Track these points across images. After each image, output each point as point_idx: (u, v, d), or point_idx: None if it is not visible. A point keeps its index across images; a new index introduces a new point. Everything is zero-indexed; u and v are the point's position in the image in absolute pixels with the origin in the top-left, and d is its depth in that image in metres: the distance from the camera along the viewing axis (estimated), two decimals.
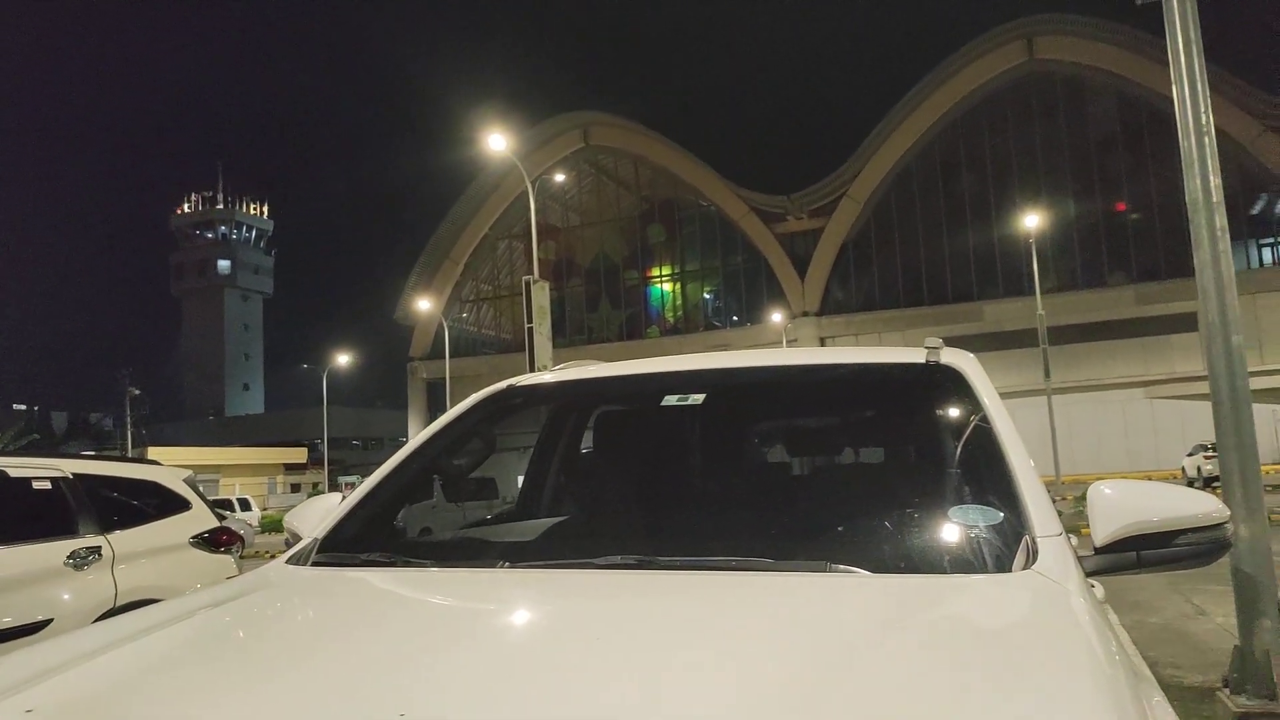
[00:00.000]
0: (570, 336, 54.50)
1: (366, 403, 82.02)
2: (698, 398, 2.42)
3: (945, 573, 1.68)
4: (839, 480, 2.43)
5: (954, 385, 2.25)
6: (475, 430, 2.64)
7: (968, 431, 2.12)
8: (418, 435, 2.50)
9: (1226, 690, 5.11)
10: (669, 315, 55.70)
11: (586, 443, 2.90)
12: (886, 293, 49.11)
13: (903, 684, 1.15)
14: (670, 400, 2.44)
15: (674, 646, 1.32)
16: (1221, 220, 5.38)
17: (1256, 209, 43.66)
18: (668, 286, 55.68)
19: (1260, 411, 38.38)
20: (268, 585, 1.87)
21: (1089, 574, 1.82)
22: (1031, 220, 32.70)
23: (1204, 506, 1.84)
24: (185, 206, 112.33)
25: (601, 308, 56.50)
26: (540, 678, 1.21)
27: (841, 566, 1.64)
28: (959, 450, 2.11)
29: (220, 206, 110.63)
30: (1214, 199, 5.40)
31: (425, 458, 2.42)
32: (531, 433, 3.05)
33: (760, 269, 51.61)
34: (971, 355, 2.51)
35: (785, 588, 1.60)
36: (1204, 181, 5.43)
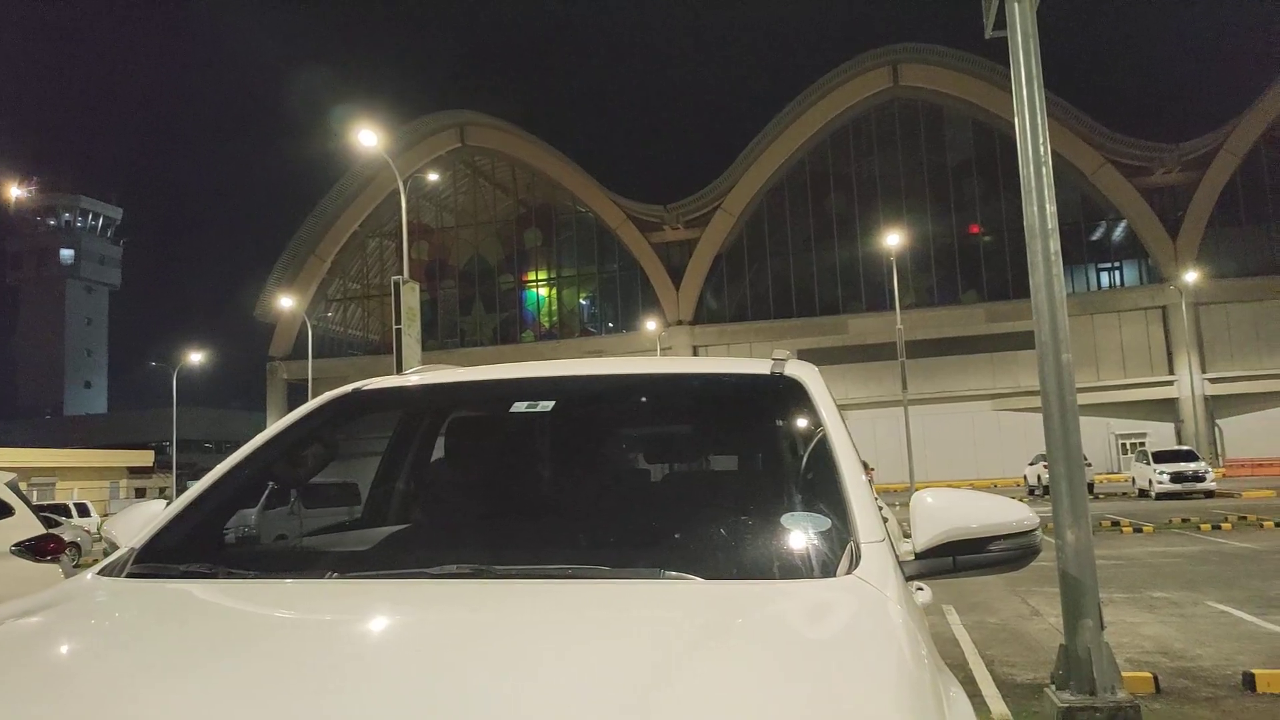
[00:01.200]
0: (442, 339, 53.51)
1: (222, 404, 78.21)
2: (546, 405, 2.42)
3: (774, 578, 1.72)
4: (681, 488, 2.47)
5: (795, 396, 2.32)
6: (316, 435, 2.54)
7: (804, 441, 2.20)
8: (253, 439, 2.40)
9: (1054, 686, 5.45)
10: (544, 320, 55.47)
11: (440, 449, 2.85)
12: (758, 304, 50.40)
13: (714, 689, 1.17)
14: (519, 407, 2.42)
15: (501, 657, 1.31)
16: (1055, 245, 5.74)
17: (1096, 236, 47.06)
18: (544, 291, 55.45)
19: (1096, 425, 41.23)
20: (68, 599, 1.74)
21: (909, 578, 1.91)
22: (893, 239, 34.17)
23: (1016, 515, 1.96)
24: (23, 190, 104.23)
25: (475, 311, 55.74)
26: (358, 694, 1.17)
27: (674, 573, 1.67)
28: (795, 459, 2.20)
29: (62, 192, 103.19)
30: (1049, 225, 5.76)
31: (259, 463, 2.31)
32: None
33: (636, 277, 52.08)
34: (814, 367, 2.60)
35: (617, 595, 1.62)
36: (1040, 209, 5.78)
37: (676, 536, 1.96)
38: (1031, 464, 33.79)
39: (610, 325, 53.88)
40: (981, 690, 6.10)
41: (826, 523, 1.85)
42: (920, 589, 2.88)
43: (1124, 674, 5.84)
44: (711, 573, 1.69)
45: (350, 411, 2.59)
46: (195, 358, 52.14)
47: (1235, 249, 44.14)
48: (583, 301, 55.25)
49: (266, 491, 2.38)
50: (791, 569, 1.76)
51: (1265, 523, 17.17)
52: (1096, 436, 42.90)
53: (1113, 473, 41.36)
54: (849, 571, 1.67)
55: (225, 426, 73.51)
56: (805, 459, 2.15)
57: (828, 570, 1.69)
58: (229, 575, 1.87)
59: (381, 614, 1.61)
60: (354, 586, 1.74)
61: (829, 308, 49.11)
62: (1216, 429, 43.59)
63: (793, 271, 50.05)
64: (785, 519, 1.91)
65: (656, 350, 46.79)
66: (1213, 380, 43.26)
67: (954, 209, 48.21)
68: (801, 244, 50.10)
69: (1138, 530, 17.33)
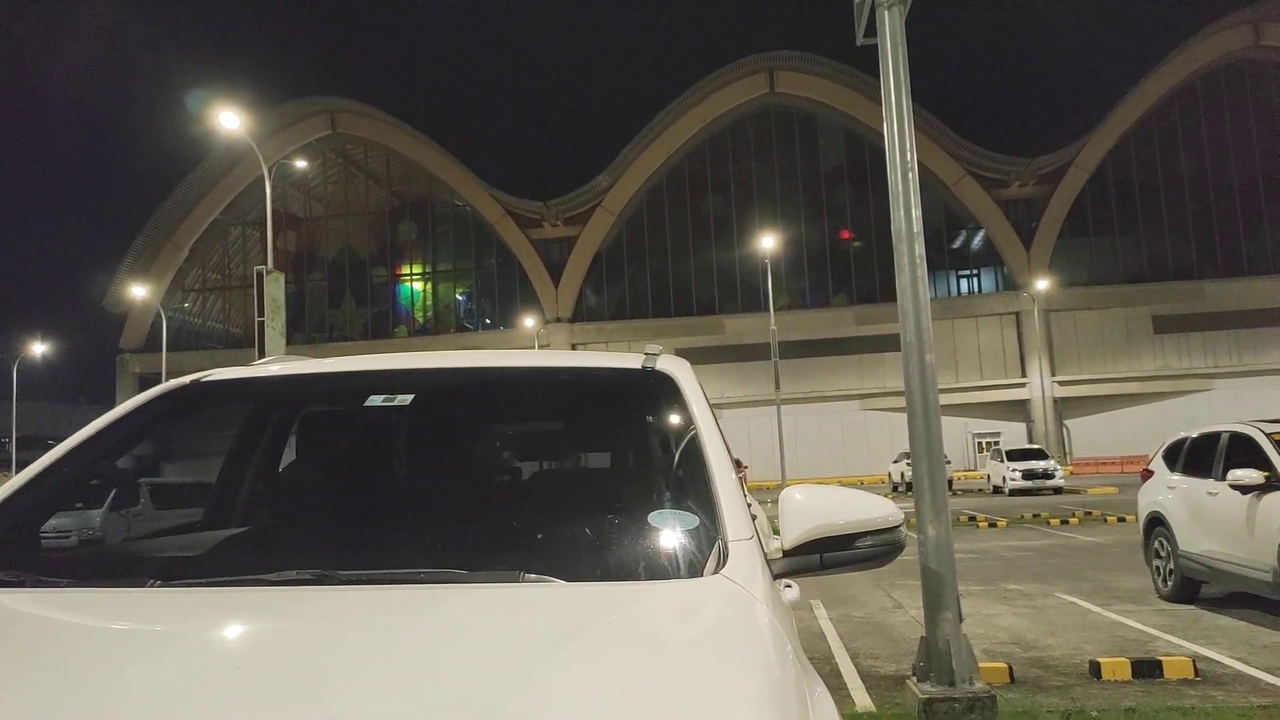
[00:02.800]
0: (309, 333, 51.62)
1: (68, 398, 73.17)
2: (405, 398, 2.27)
3: (639, 579, 1.67)
4: (547, 487, 2.36)
5: (666, 391, 2.25)
6: (148, 430, 2.36)
7: (675, 437, 2.15)
8: (75, 434, 2.15)
9: (915, 678, 5.59)
10: (418, 315, 54.22)
11: (292, 446, 2.65)
12: (637, 302, 50.72)
13: (572, 696, 1.14)
14: (375, 401, 2.28)
15: (342, 670, 1.21)
16: (920, 249, 5.90)
17: (956, 244, 49.46)
18: (418, 285, 54.20)
19: (955, 424, 43.25)
20: None
21: (777, 575, 1.88)
22: (768, 242, 34.98)
23: (882, 511, 1.96)
24: None
25: (345, 304, 53.99)
26: (177, 713, 1.07)
27: (534, 576, 1.60)
28: (666, 455, 2.15)
29: None
30: (915, 229, 5.91)
31: (80, 460, 2.10)
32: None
33: (515, 273, 51.56)
34: (685, 363, 2.53)
35: (472, 600, 1.54)
36: (906, 213, 5.92)
37: (539, 537, 1.89)
38: (896, 461, 35.21)
39: (488, 321, 53.16)
40: (846, 683, 6.21)
41: (695, 521, 1.81)
42: (789, 586, 2.85)
43: (981, 664, 6.05)
44: (575, 575, 1.64)
45: (188, 405, 2.40)
46: (38, 349, 48.54)
47: (1083, 259, 47.20)
48: (459, 297, 54.31)
49: (112, 493, 2.17)
50: (658, 569, 1.72)
51: (1109, 518, 18.36)
52: (955, 435, 45.12)
53: (970, 470, 43.55)
54: (716, 571, 1.64)
55: (71, 422, 68.76)
56: (676, 456, 2.10)
57: (695, 570, 1.67)
58: (38, 583, 1.69)
59: (206, 625, 1.46)
60: (178, 595, 1.60)
61: (706, 308, 49.88)
62: (1065, 429, 46.53)
63: (671, 271, 50.60)
64: (653, 518, 1.86)
65: (535, 347, 46.45)
66: (1061, 383, 46.14)
67: (826, 214, 49.77)
68: (680, 244, 50.71)
69: (993, 525, 18.24)
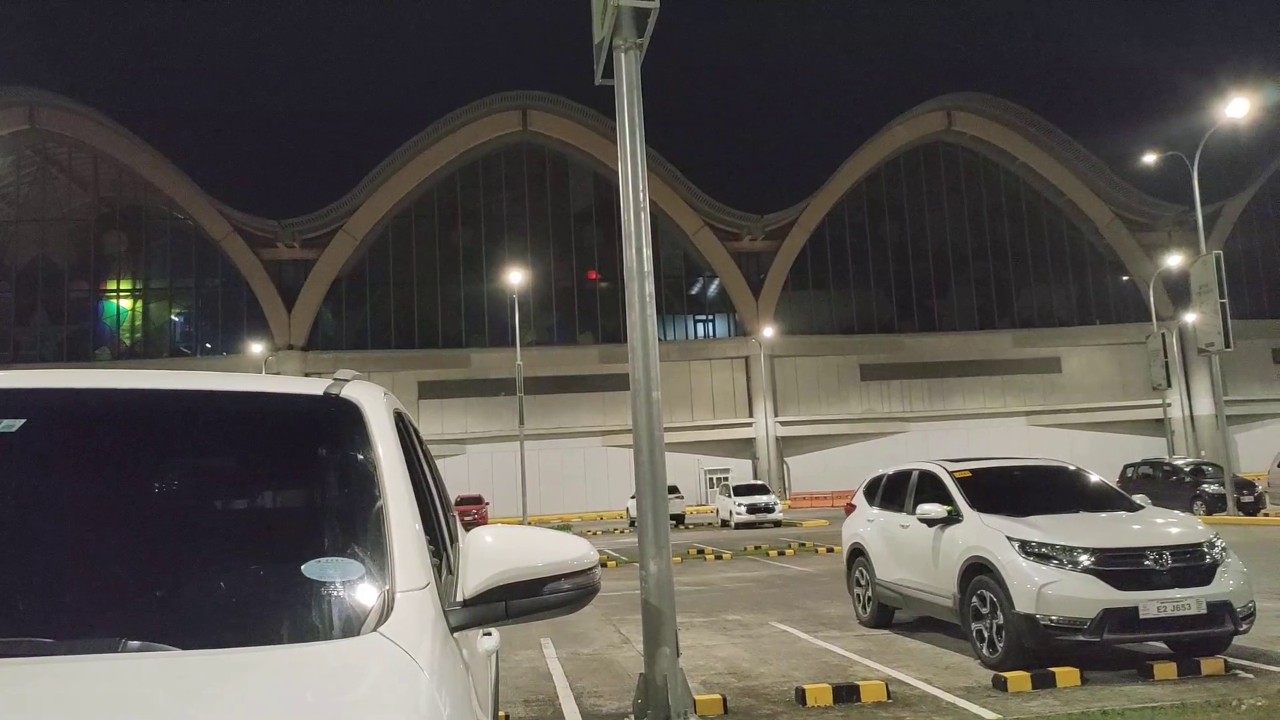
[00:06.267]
0: None
1: None
2: (12, 424, 1.86)
3: (280, 642, 1.43)
4: (181, 534, 2.00)
5: (346, 422, 2.00)
6: None
7: (349, 474, 1.90)
8: None
9: (633, 715, 5.55)
10: (125, 336, 48.85)
11: None
12: (379, 332, 48.82)
13: None
14: None
15: None
16: (650, 288, 5.98)
17: (694, 290, 52.11)
18: (126, 303, 48.89)
19: (689, 461, 45.11)
20: None
21: (455, 628, 1.69)
22: (517, 277, 35.04)
23: (575, 553, 1.83)
24: None
25: (36, 321, 47.58)
26: None
27: (138, 644, 1.34)
28: (340, 494, 1.89)
29: None
30: (645, 268, 5.99)
31: None
32: None
33: (242, 295, 47.92)
34: (381, 390, 2.30)
35: (52, 679, 1.24)
36: (638, 252, 6.00)
37: (157, 595, 1.58)
38: (633, 497, 35.97)
39: (208, 346, 48.92)
40: None
41: (359, 570, 1.58)
42: (488, 634, 2.66)
43: (697, 697, 6.15)
44: (196, 640, 1.37)
45: None
46: None
47: (804, 311, 51.34)
48: (175, 318, 49.58)
49: None
50: (304, 630, 1.47)
51: (820, 549, 19.77)
52: (689, 471, 47.15)
53: (702, 504, 45.61)
54: (376, 628, 1.44)
55: None
56: (345, 496, 1.87)
57: (350, 628, 1.45)
58: None
59: None
60: None
61: (452, 340, 48.97)
62: (785, 466, 50.00)
63: (417, 301, 49.26)
64: (309, 568, 1.59)
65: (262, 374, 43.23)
66: (783, 423, 49.67)
67: (575, 254, 50.71)
68: (428, 274, 49.55)
69: (719, 557, 19.08)
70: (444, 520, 2.90)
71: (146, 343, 48.55)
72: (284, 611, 1.52)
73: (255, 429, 2.04)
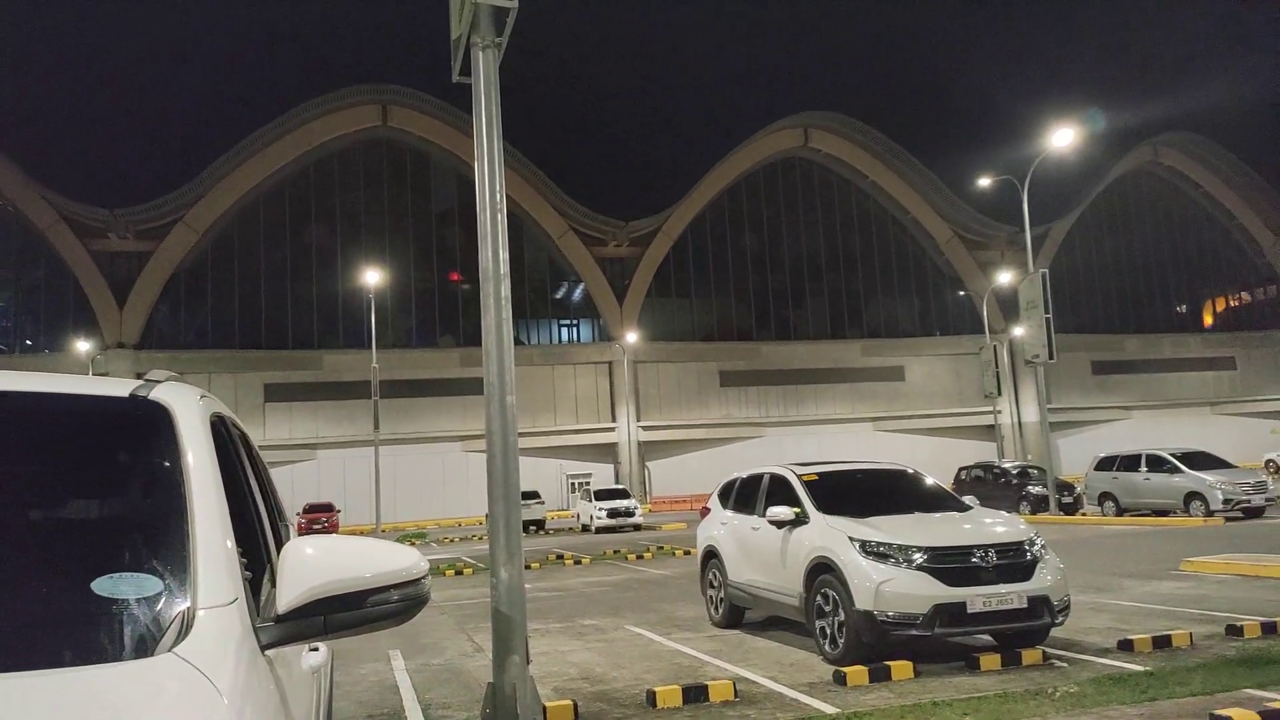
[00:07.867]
0: None
1: None
2: None
3: (61, 665, 1.32)
4: None
5: (152, 426, 1.86)
6: None
7: (152, 482, 1.77)
8: None
9: None
10: None
11: None
12: (222, 331, 46.37)
13: None
14: None
15: None
16: (506, 290, 5.91)
17: (559, 295, 51.97)
18: None
19: (552, 465, 44.91)
20: None
21: (266, 646, 1.59)
22: (374, 277, 33.98)
23: (403, 562, 1.77)
24: None
25: None
26: None
27: None
28: (134, 507, 1.76)
29: None
30: (502, 270, 5.92)
31: None
32: None
33: (69, 289, 44.54)
34: (198, 392, 2.15)
35: None
36: (495, 254, 5.93)
37: None
38: None
39: (28, 343, 45.18)
40: None
41: (157, 585, 1.48)
42: (315, 649, 2.53)
43: (549, 704, 6.10)
44: None
45: None
46: None
47: (665, 317, 52.07)
48: None
49: None
50: (90, 651, 1.35)
51: (677, 551, 20.05)
52: (551, 476, 46.98)
53: (563, 509, 45.47)
54: (171, 649, 1.35)
55: None
56: (150, 506, 1.74)
57: (142, 649, 1.36)
58: None
59: None
60: None
61: (303, 341, 47.04)
62: (647, 470, 50.50)
63: (265, 299, 47.06)
64: (99, 584, 1.47)
65: (89, 374, 40.28)
66: (645, 428, 50.17)
67: (437, 255, 49.68)
68: (277, 271, 47.43)
69: (578, 562, 19.05)
70: (271, 532, 2.75)
71: None
72: (68, 632, 1.40)
73: (47, 433, 1.87)
